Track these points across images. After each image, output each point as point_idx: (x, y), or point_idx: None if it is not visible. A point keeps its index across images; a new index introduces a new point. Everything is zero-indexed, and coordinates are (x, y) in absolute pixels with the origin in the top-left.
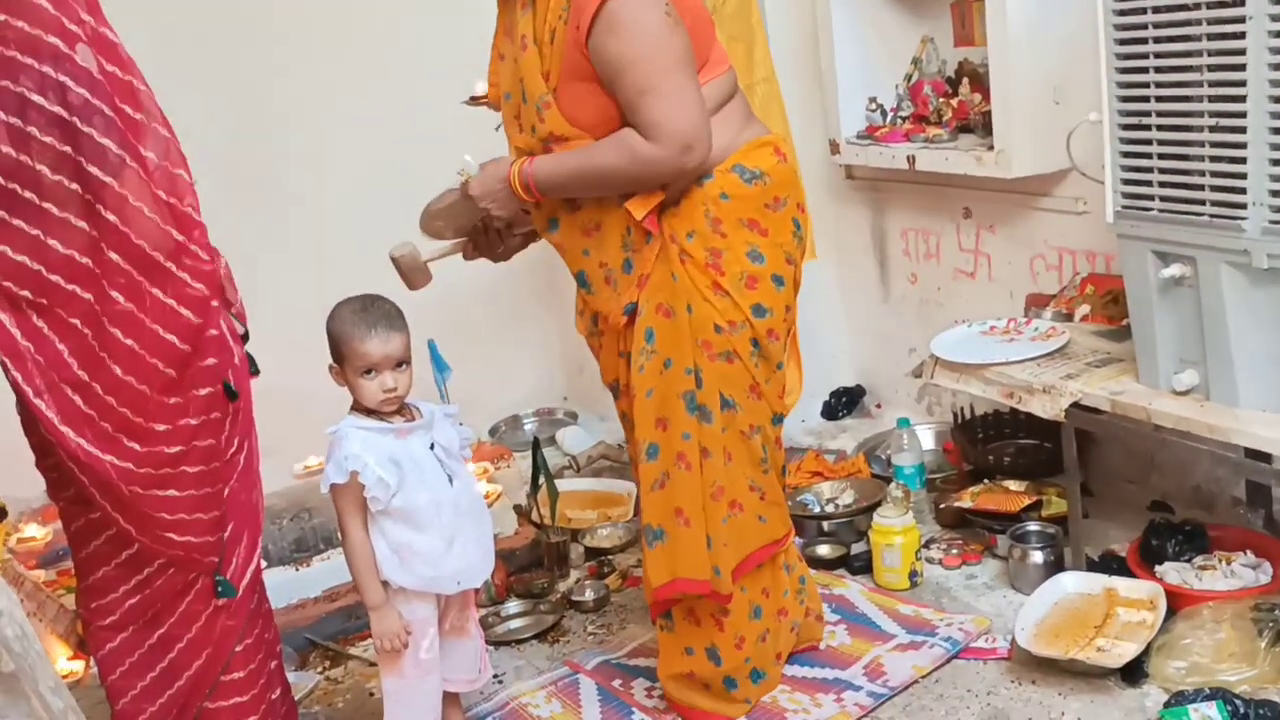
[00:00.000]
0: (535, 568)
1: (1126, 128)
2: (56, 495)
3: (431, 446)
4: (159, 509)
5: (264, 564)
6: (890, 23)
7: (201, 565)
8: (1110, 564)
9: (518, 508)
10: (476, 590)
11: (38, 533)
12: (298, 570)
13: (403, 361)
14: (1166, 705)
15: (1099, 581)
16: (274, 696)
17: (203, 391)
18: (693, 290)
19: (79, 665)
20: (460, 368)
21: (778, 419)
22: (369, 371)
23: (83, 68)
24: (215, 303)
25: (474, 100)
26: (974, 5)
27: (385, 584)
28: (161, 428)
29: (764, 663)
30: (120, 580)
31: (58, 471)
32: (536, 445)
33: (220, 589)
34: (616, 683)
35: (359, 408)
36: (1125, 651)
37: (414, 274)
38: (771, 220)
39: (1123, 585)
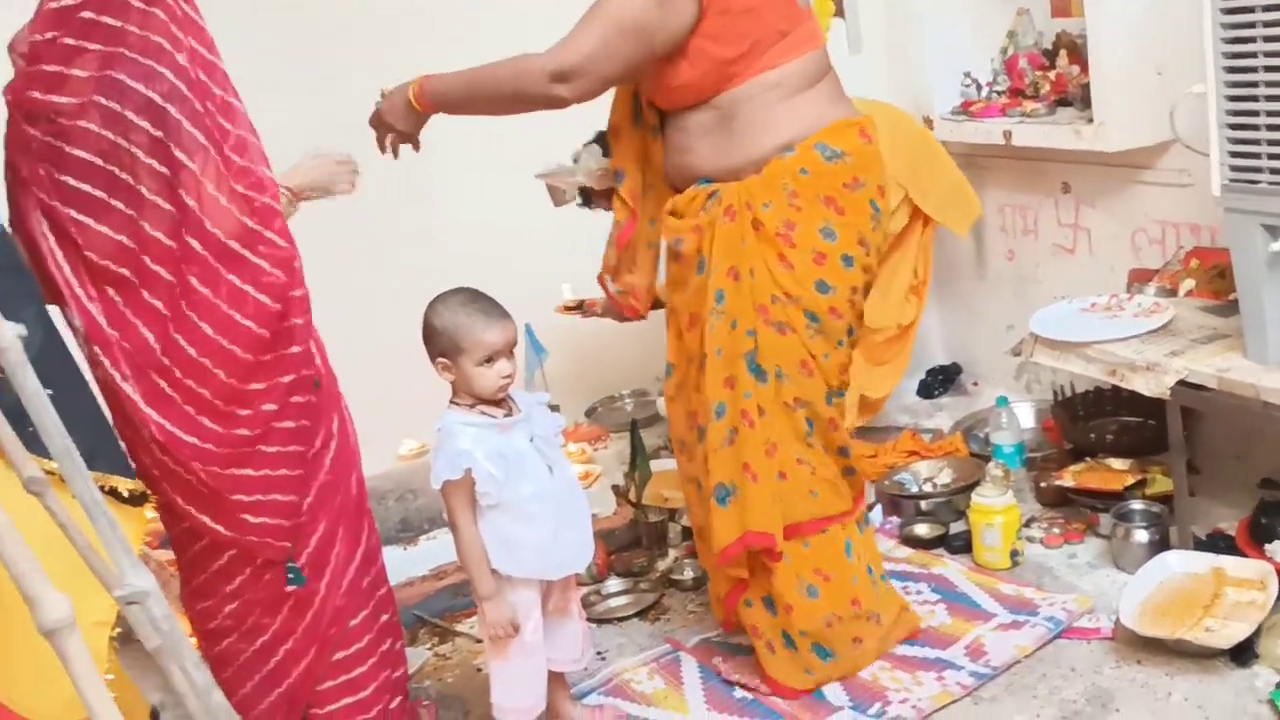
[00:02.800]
0: (634, 547)
1: (1233, 99)
2: (155, 504)
3: (531, 439)
4: (235, 489)
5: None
6: None
7: (274, 550)
8: (1218, 543)
9: (615, 488)
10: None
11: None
12: (405, 549)
13: (514, 346)
14: (1278, 686)
15: (1206, 561)
16: (394, 675)
17: (285, 379)
18: (758, 257)
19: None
20: (554, 349)
21: (835, 395)
22: (488, 360)
23: (180, 65)
24: (298, 292)
25: None
26: None
27: (494, 573)
28: (243, 412)
29: (832, 642)
30: (219, 585)
31: (148, 477)
32: (634, 427)
33: (291, 576)
34: (717, 660)
35: (460, 401)
36: (1235, 632)
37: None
38: (849, 199)
39: (1231, 564)
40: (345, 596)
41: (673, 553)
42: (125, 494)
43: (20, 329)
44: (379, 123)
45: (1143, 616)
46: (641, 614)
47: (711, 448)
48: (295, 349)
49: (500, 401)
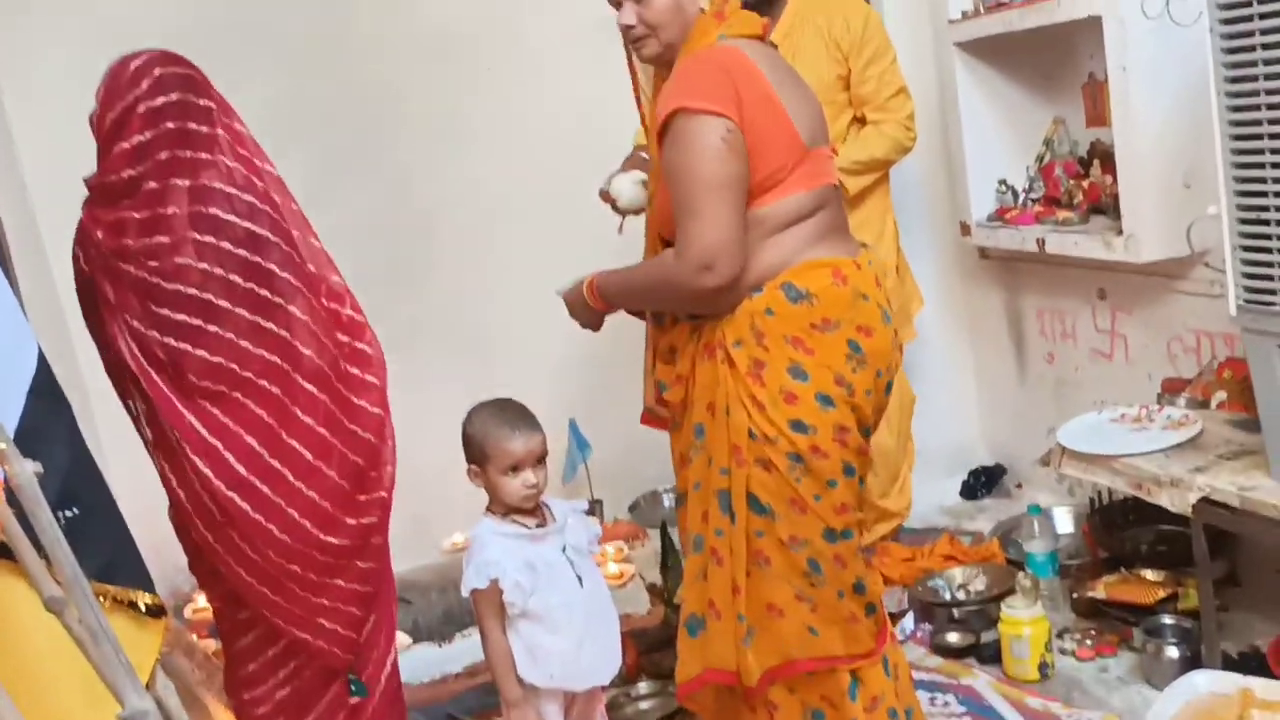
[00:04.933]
0: (666, 647)
1: (1245, 221)
2: (210, 594)
3: (564, 549)
4: (322, 594)
5: (410, 640)
6: (1020, 105)
7: (338, 660)
8: (1250, 661)
9: (651, 586)
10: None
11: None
12: (440, 646)
13: (542, 457)
14: None
15: (1233, 681)
16: None
17: (383, 493)
18: (733, 395)
19: None
20: (600, 443)
21: (839, 535)
22: (513, 469)
23: (261, 188)
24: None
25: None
26: (1104, 86)
27: (519, 680)
28: (350, 520)
29: None
30: (270, 673)
31: (214, 574)
32: (664, 527)
33: (354, 688)
34: None
35: (494, 509)
36: None
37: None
38: (818, 340)
39: (1259, 685)
40: (386, 702)
41: None
42: (144, 607)
43: (37, 466)
44: (570, 314)
45: None
46: (670, 717)
47: (688, 580)
48: (389, 467)
49: (534, 509)
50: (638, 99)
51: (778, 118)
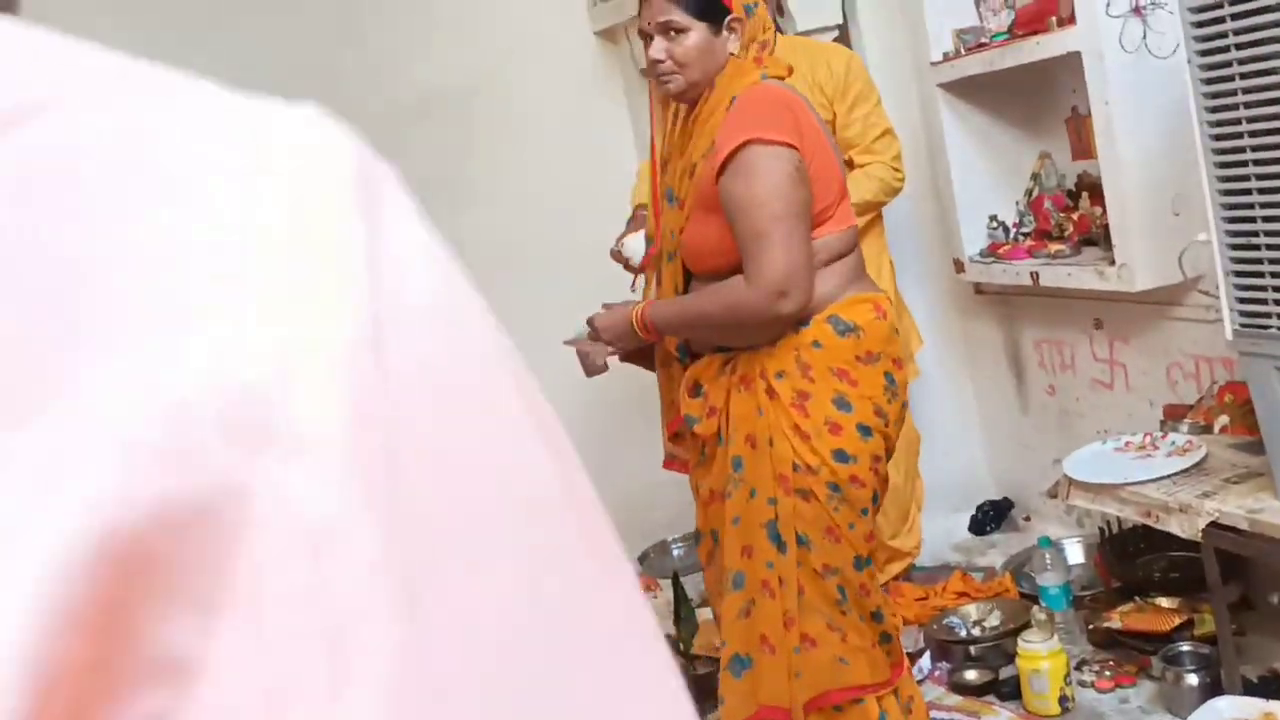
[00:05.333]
0: None
1: (1235, 247)
2: None
3: None
4: None
5: None
6: (1006, 141)
7: None
8: (1271, 684)
9: (667, 636)
10: None
11: None
12: None
13: None
14: None
15: (1256, 706)
16: None
17: None
18: (776, 426)
19: None
20: (603, 496)
21: (864, 563)
22: None
23: None
24: None
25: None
26: (1087, 120)
27: None
28: None
29: None
30: None
31: None
32: (676, 577)
33: None
34: None
35: None
36: None
37: (588, 360)
38: (862, 372)
39: None
40: None
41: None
42: None
43: None
44: (594, 339)
45: None
46: None
47: (727, 619)
48: None
49: None
50: (652, 136)
51: (826, 156)
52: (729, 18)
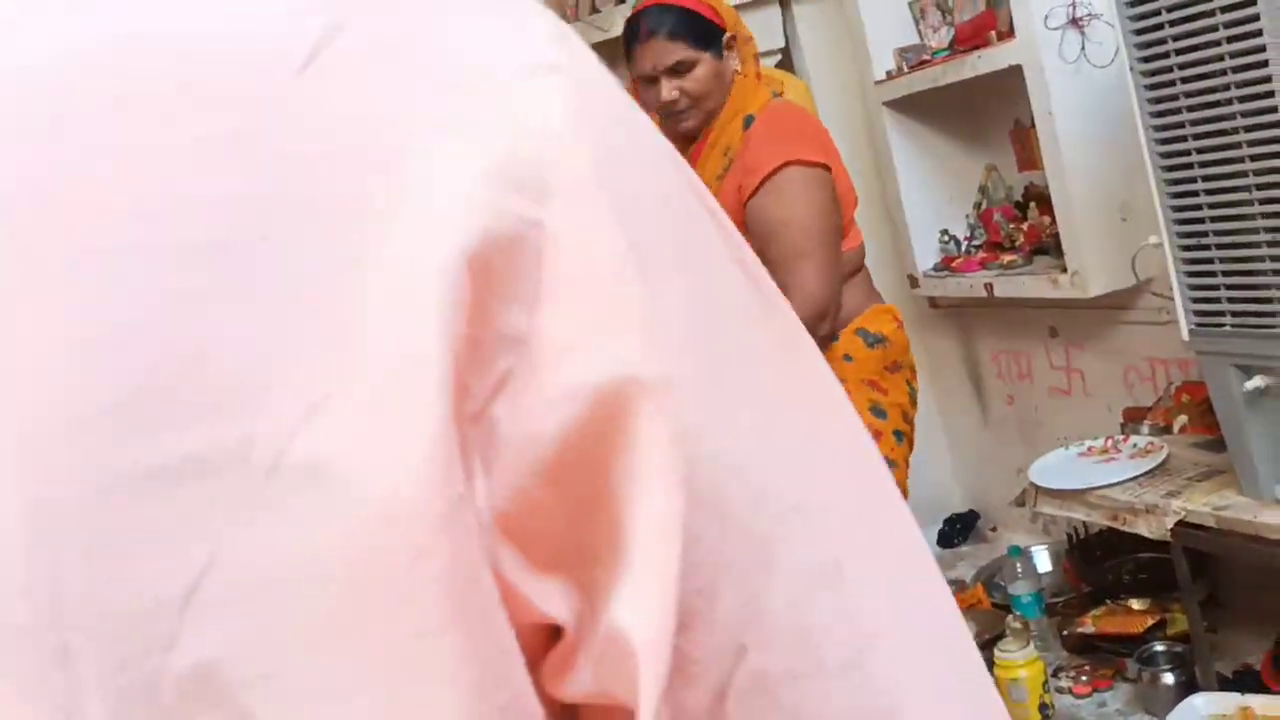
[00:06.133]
0: None
1: (1186, 249)
2: None
3: None
4: None
5: None
6: (953, 155)
7: None
8: (1246, 679)
9: None
10: None
11: None
12: None
13: None
14: None
15: (1233, 701)
16: None
17: None
18: None
19: None
20: None
21: None
22: None
23: None
24: None
25: None
26: (1031, 131)
27: None
28: None
29: None
30: None
31: None
32: None
33: None
34: None
35: None
36: None
37: None
38: (889, 381)
39: (1259, 702)
40: None
41: None
42: None
43: None
44: None
45: None
46: None
47: None
48: None
49: None
50: None
51: (845, 174)
52: (725, 36)
